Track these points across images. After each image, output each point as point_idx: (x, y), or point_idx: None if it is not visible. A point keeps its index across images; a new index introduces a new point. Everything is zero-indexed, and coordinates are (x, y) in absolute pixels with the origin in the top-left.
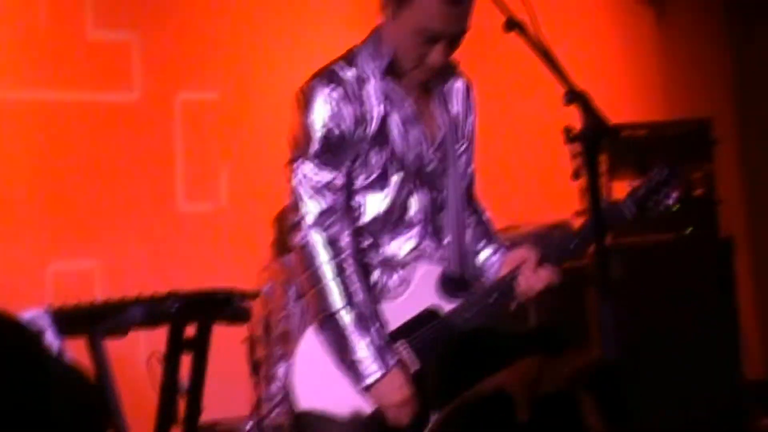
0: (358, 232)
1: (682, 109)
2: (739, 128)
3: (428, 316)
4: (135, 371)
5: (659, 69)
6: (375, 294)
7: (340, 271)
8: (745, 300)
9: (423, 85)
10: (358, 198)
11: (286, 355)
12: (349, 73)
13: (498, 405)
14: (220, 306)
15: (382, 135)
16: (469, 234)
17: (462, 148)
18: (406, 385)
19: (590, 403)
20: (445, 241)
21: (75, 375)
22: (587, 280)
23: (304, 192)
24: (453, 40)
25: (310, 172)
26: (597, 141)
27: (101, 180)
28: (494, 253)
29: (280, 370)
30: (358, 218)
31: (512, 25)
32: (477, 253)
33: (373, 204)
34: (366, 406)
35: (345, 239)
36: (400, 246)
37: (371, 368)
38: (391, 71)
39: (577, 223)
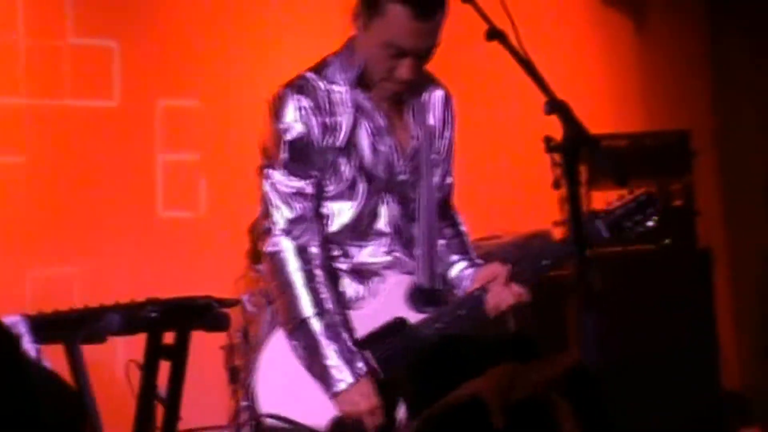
0: (327, 240)
1: (661, 120)
2: (719, 140)
3: (396, 325)
4: (113, 378)
5: (639, 80)
6: (344, 302)
7: (310, 278)
8: (723, 311)
9: (396, 96)
10: (328, 206)
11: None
12: (320, 83)
13: (473, 412)
14: (200, 313)
15: (351, 145)
16: (443, 246)
17: (439, 160)
18: (374, 394)
19: (566, 410)
20: (416, 253)
21: (54, 379)
22: (567, 291)
23: (274, 199)
24: (422, 56)
25: (280, 180)
26: (577, 151)
27: (80, 186)
28: (468, 267)
29: None
30: (327, 226)
31: (494, 34)
32: (451, 265)
33: (342, 213)
34: (330, 413)
35: (315, 247)
36: (370, 255)
37: (341, 375)
38: (362, 82)
39: (557, 232)
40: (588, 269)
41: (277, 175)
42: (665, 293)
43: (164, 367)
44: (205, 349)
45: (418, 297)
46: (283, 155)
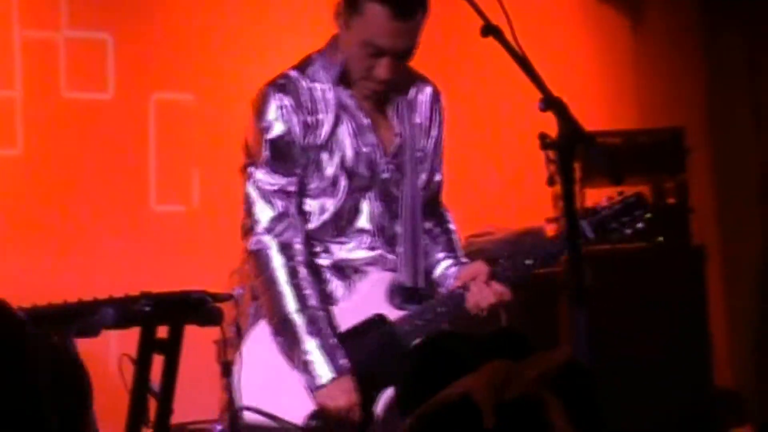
0: (309, 237)
1: (655, 117)
2: (713, 137)
3: (375, 322)
4: (106, 372)
5: (633, 77)
6: (326, 297)
7: (293, 275)
8: (716, 308)
9: (380, 94)
10: (309, 203)
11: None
12: (303, 81)
13: (463, 411)
14: (193, 308)
15: (333, 142)
16: (430, 243)
17: (424, 158)
18: (354, 391)
19: (558, 407)
20: (398, 250)
21: (59, 351)
22: (559, 288)
23: (257, 197)
24: (400, 56)
25: (262, 179)
26: (572, 148)
27: (74, 179)
28: (452, 265)
29: None
30: (309, 223)
31: (489, 30)
32: (437, 263)
33: (323, 209)
34: (309, 407)
35: (297, 244)
36: (351, 252)
37: (322, 370)
38: (345, 80)
39: (549, 229)
40: (580, 266)
41: (260, 174)
42: (658, 290)
43: (157, 361)
44: (199, 343)
45: (399, 294)
46: (265, 153)
